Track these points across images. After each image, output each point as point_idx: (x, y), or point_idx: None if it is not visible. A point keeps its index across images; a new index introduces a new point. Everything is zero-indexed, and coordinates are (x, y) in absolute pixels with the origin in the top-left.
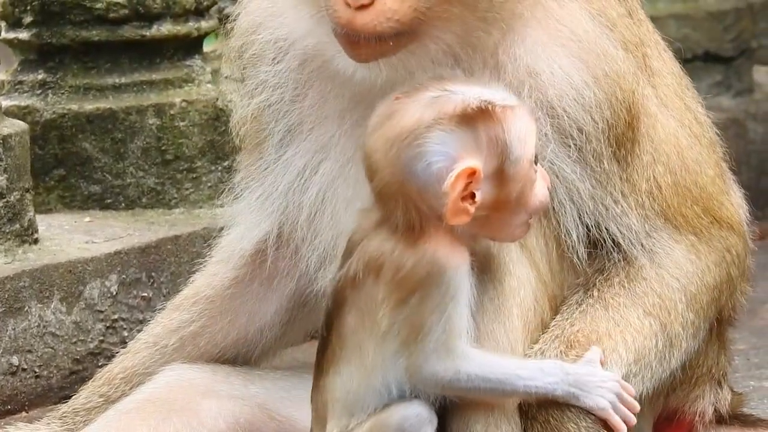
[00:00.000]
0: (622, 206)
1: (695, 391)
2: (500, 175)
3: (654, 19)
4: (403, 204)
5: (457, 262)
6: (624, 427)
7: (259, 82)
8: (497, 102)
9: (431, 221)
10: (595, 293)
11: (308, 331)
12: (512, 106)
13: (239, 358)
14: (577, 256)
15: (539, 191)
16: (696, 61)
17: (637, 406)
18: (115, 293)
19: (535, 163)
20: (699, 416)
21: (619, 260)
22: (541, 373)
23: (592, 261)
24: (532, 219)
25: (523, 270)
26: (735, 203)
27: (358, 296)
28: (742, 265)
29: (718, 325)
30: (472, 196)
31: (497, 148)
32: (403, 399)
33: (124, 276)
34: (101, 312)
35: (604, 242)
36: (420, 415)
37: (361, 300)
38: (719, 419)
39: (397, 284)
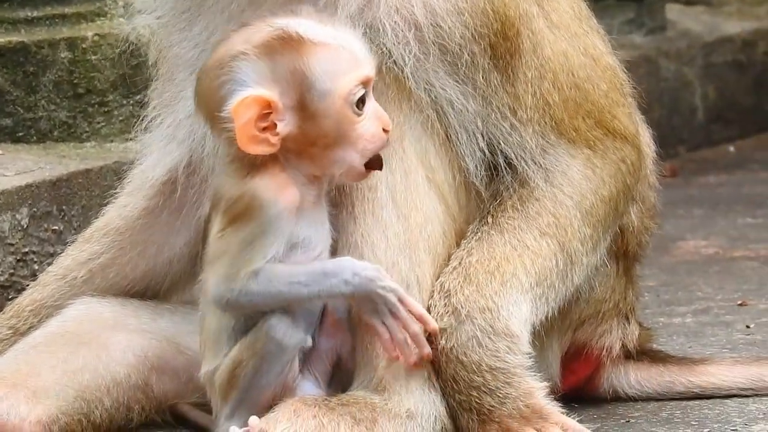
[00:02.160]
0: (511, 122)
1: (602, 326)
2: (304, 108)
3: None
4: (225, 135)
5: (277, 200)
6: (392, 350)
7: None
8: (306, 36)
9: (270, 158)
10: (490, 219)
11: None
12: (324, 43)
13: (149, 290)
14: (479, 184)
15: (367, 130)
16: None
17: (420, 334)
18: (25, 226)
19: (359, 105)
20: (606, 351)
21: (513, 183)
22: (323, 276)
23: (490, 187)
24: (375, 164)
25: (431, 204)
26: (630, 114)
27: (210, 231)
28: (637, 174)
29: (625, 259)
30: (275, 126)
31: (297, 80)
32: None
33: (35, 209)
34: (12, 245)
35: (500, 166)
36: (282, 319)
37: (210, 235)
38: (627, 354)
39: (223, 214)
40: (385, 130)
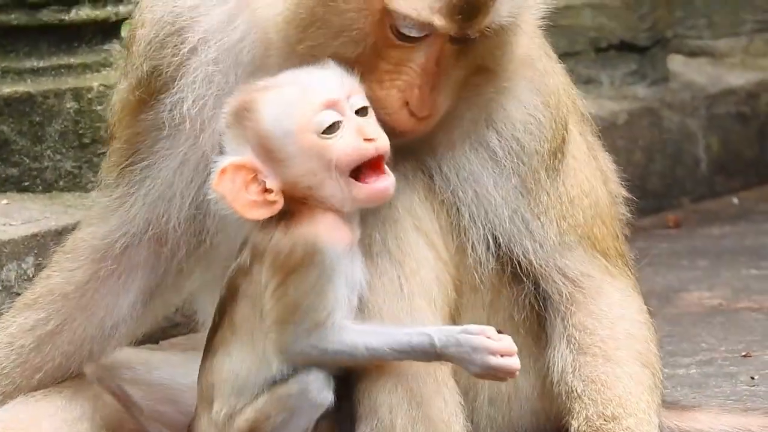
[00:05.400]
0: (540, 220)
1: None
2: (276, 157)
3: (570, 8)
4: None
5: (331, 241)
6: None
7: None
8: (255, 91)
9: (300, 204)
10: (589, 348)
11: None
12: (273, 86)
13: (93, 355)
14: (480, 262)
15: (342, 148)
16: (611, 50)
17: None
18: (31, 275)
19: (329, 132)
20: None
21: (566, 294)
22: (409, 346)
23: (509, 282)
24: (379, 174)
25: (421, 251)
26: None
27: (248, 285)
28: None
29: None
30: (264, 186)
31: (258, 134)
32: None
33: (40, 258)
34: (17, 294)
35: (514, 263)
36: (319, 378)
37: (250, 288)
38: None
39: (276, 268)
40: (367, 139)
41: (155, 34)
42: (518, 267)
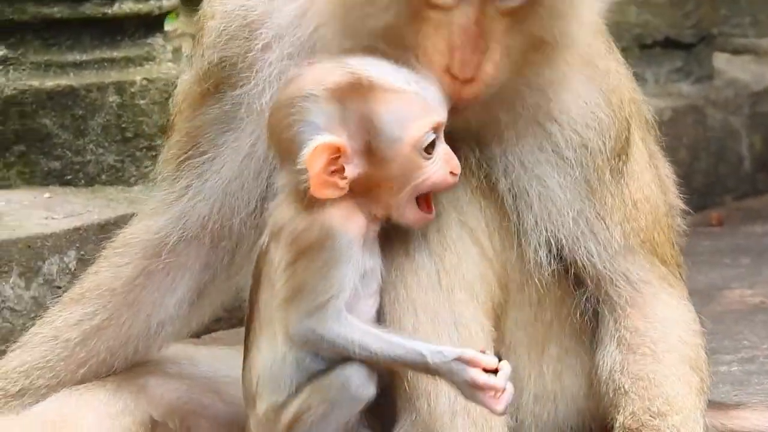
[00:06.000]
0: (605, 222)
1: None
2: (371, 153)
3: (615, 5)
4: (290, 169)
5: (347, 229)
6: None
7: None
8: (376, 82)
9: None
10: (639, 347)
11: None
12: (394, 89)
13: (138, 354)
14: (538, 260)
15: (434, 174)
16: (656, 47)
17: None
18: (73, 269)
19: (428, 151)
20: None
21: (619, 298)
22: (402, 359)
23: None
24: (428, 212)
25: (464, 246)
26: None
27: (268, 267)
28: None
29: None
30: (343, 169)
31: (365, 126)
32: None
33: (82, 252)
34: (59, 288)
35: (574, 265)
36: (360, 371)
37: (270, 271)
38: None
39: (288, 247)
40: (452, 173)
41: (225, 26)
42: (580, 269)
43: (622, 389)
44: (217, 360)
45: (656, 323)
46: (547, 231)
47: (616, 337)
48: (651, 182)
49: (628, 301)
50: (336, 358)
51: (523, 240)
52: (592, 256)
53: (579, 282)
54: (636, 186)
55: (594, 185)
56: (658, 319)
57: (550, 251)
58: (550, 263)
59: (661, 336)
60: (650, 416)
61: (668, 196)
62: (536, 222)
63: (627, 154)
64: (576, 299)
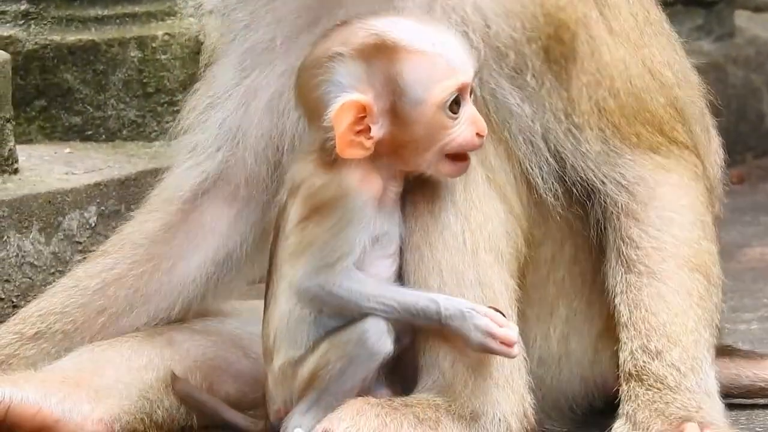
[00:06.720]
0: (566, 126)
1: None
2: (396, 113)
3: None
4: (317, 128)
5: (363, 190)
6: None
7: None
8: (401, 42)
9: None
10: (626, 259)
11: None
12: (419, 50)
13: (161, 311)
14: (550, 192)
15: (460, 135)
16: (677, 4)
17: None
18: (93, 225)
19: (454, 111)
20: None
21: (608, 205)
22: (415, 307)
23: (573, 207)
24: (463, 162)
25: (491, 204)
26: (690, 132)
27: (285, 223)
28: (709, 182)
29: None
30: (369, 129)
31: (390, 86)
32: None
33: (103, 208)
34: (80, 243)
35: (579, 183)
36: (378, 326)
37: (286, 225)
38: None
39: (304, 203)
40: (479, 135)
41: None
42: (581, 192)
43: (622, 320)
44: (241, 314)
45: (649, 227)
46: (537, 156)
47: (615, 249)
48: (628, 57)
49: (623, 209)
50: (347, 315)
51: (530, 177)
52: (583, 170)
53: (583, 208)
54: (597, 72)
55: (537, 92)
56: (650, 222)
57: (550, 170)
58: (557, 195)
59: (655, 245)
60: (648, 357)
61: (657, 75)
62: (530, 144)
63: (566, 57)
64: (589, 241)
